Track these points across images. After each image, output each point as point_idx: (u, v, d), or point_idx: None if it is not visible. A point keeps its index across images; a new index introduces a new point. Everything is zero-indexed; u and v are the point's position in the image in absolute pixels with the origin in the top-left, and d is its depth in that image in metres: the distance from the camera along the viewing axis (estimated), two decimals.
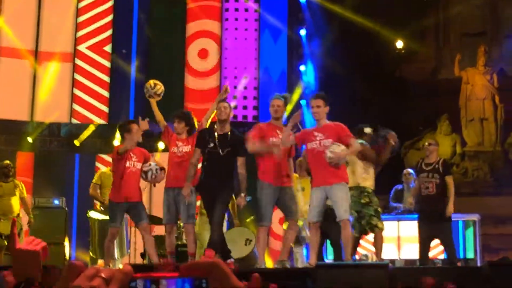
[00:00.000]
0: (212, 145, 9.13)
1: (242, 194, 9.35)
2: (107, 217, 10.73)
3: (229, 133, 9.24)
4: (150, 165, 9.84)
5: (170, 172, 9.88)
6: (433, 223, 10.40)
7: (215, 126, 9.36)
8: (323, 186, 8.88)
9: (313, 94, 9.55)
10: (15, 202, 12.22)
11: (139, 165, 9.92)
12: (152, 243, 10.11)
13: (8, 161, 12.80)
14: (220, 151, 9.06)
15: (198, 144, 9.35)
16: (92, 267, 1.45)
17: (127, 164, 9.86)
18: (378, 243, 10.26)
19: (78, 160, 16.67)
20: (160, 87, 10.24)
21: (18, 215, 12.21)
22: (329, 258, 11.56)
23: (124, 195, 9.84)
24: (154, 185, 10.52)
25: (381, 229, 10.17)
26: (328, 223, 9.56)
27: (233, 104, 15.86)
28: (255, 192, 9.21)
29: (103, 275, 1.42)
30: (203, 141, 9.23)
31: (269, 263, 15.84)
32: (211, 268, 1.41)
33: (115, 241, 10.68)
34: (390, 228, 12.34)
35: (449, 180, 10.54)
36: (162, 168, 9.95)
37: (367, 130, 10.57)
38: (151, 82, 10.34)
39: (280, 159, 9.06)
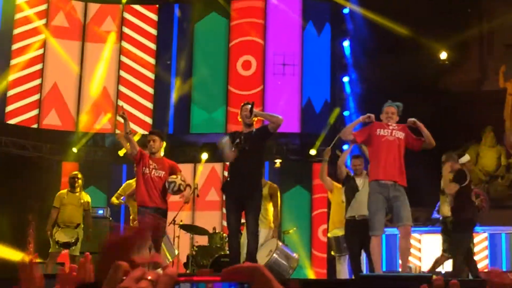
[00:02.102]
0: (237, 140, 9.17)
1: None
2: None
3: (254, 130, 9.27)
4: (176, 177, 10.00)
5: None
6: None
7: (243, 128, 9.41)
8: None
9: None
10: (76, 213, 12.39)
11: (160, 173, 10.11)
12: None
13: (77, 172, 13.03)
14: (245, 146, 9.07)
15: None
16: (139, 269, 1.48)
17: (145, 171, 10.09)
18: (437, 261, 10.78)
19: (125, 171, 16.77)
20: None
21: (79, 225, 12.37)
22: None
23: (144, 199, 10.08)
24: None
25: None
26: (364, 235, 9.62)
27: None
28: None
29: (150, 277, 1.46)
30: (232, 139, 9.31)
31: (311, 273, 15.86)
32: (254, 272, 1.43)
33: (163, 245, 10.81)
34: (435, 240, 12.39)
35: None
36: (188, 185, 10.15)
37: (464, 159, 10.72)
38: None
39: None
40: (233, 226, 9.14)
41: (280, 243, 11.08)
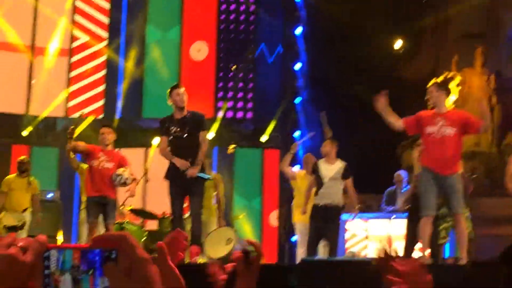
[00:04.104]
0: (174, 129, 9.20)
1: (195, 166, 9.36)
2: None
3: (187, 115, 9.28)
4: (124, 171, 10.14)
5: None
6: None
7: (174, 113, 9.38)
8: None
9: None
10: (24, 197, 12.40)
11: (109, 165, 10.35)
12: None
13: (24, 157, 13.00)
14: (182, 133, 9.14)
15: (161, 133, 9.51)
16: (8, 236, 1.48)
17: (93, 163, 10.39)
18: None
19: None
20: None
21: (26, 209, 12.37)
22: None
23: (94, 190, 10.33)
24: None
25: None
26: (324, 223, 9.83)
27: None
28: None
29: (20, 244, 1.46)
30: (165, 129, 9.29)
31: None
32: (120, 240, 1.46)
33: None
34: (382, 226, 12.59)
35: None
36: (134, 179, 10.35)
37: None
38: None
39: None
40: (177, 212, 9.23)
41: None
